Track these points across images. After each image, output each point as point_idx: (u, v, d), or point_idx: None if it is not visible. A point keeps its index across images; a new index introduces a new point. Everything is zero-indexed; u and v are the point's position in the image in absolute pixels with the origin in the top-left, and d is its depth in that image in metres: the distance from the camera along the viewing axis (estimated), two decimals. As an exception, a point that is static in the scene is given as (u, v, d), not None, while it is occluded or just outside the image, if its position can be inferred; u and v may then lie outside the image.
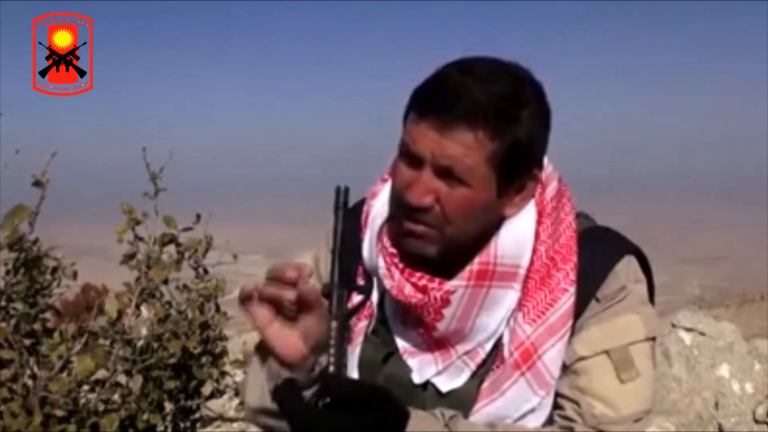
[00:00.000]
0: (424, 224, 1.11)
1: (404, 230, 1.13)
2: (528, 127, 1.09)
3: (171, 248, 2.66)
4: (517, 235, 1.14)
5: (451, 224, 1.10)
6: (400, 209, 1.13)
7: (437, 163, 1.07)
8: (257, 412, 1.20)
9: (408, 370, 1.19)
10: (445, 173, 1.08)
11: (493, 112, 1.06)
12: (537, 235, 1.15)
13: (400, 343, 1.21)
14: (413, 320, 1.17)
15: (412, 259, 1.16)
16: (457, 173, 1.07)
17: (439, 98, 1.08)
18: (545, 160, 1.19)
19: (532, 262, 1.15)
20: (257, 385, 1.17)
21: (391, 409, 1.03)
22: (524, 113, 1.08)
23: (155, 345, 2.56)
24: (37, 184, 2.26)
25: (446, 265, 1.14)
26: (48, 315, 2.39)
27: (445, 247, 1.12)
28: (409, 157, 1.10)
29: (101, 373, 2.36)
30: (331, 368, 1.08)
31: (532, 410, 1.15)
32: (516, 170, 1.11)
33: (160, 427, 2.64)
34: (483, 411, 1.15)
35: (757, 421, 4.39)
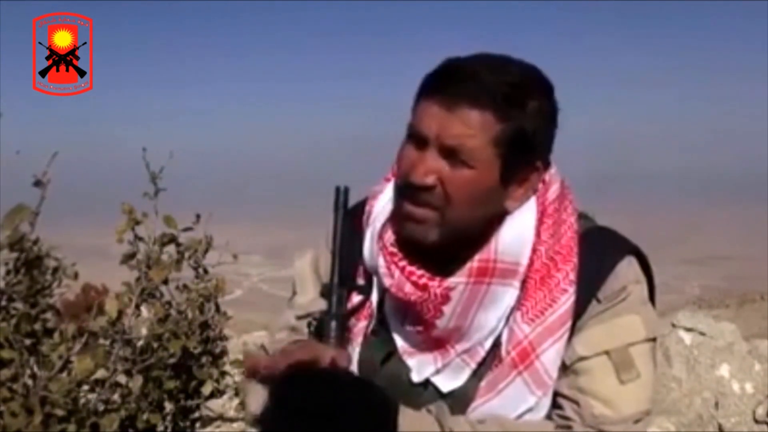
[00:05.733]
0: (425, 206, 1.11)
1: (405, 213, 1.13)
2: (534, 118, 1.10)
3: (171, 248, 2.65)
4: (518, 232, 1.15)
5: (452, 206, 1.10)
6: (403, 191, 1.13)
7: (442, 143, 1.08)
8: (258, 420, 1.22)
9: (407, 369, 1.20)
10: (449, 153, 1.08)
11: (500, 94, 1.07)
12: (538, 234, 1.15)
13: (400, 343, 1.21)
14: (413, 319, 1.17)
15: (412, 258, 1.16)
16: (461, 154, 1.08)
17: (447, 78, 1.09)
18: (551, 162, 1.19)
19: (532, 262, 1.15)
20: (258, 394, 1.18)
21: (381, 401, 1.03)
22: (531, 104, 1.09)
23: (155, 345, 2.56)
24: (37, 184, 2.25)
25: (446, 262, 1.14)
26: (48, 315, 2.39)
27: (446, 233, 1.12)
28: (414, 137, 1.11)
29: (101, 373, 2.36)
30: None
31: (529, 410, 1.15)
32: (520, 159, 1.11)
33: (160, 427, 2.63)
34: (479, 410, 1.15)
35: (757, 421, 4.39)
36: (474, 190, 1.10)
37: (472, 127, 1.07)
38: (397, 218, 1.16)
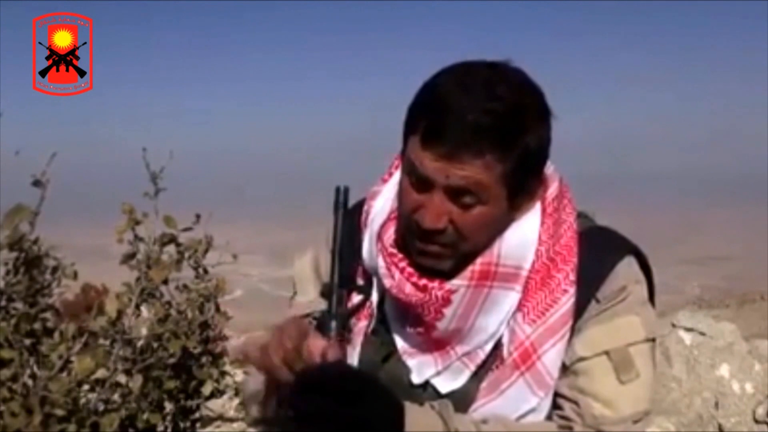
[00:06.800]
0: (437, 245, 1.11)
1: (418, 250, 1.13)
2: (534, 135, 1.08)
3: (171, 248, 2.66)
4: (521, 237, 1.14)
5: (466, 241, 1.10)
6: (412, 231, 1.12)
7: (450, 186, 1.07)
8: (258, 421, 1.22)
9: (407, 370, 1.19)
10: (457, 194, 1.07)
11: (497, 132, 1.05)
12: (538, 236, 1.15)
13: (400, 344, 1.21)
14: (413, 320, 1.17)
15: (411, 258, 1.15)
16: (469, 193, 1.07)
17: (441, 125, 1.05)
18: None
19: (532, 263, 1.15)
20: (256, 398, 1.18)
21: (385, 400, 1.03)
22: (529, 124, 1.08)
23: (155, 345, 2.56)
24: (37, 184, 2.25)
25: None
26: (48, 315, 2.39)
27: (460, 258, 1.13)
28: (417, 179, 1.09)
29: (101, 373, 2.36)
30: None
31: (531, 411, 1.15)
32: (528, 177, 1.11)
33: (160, 427, 2.64)
34: (481, 410, 1.15)
35: (757, 421, 4.38)
36: (486, 222, 1.10)
37: (476, 171, 1.05)
38: (409, 250, 1.15)
